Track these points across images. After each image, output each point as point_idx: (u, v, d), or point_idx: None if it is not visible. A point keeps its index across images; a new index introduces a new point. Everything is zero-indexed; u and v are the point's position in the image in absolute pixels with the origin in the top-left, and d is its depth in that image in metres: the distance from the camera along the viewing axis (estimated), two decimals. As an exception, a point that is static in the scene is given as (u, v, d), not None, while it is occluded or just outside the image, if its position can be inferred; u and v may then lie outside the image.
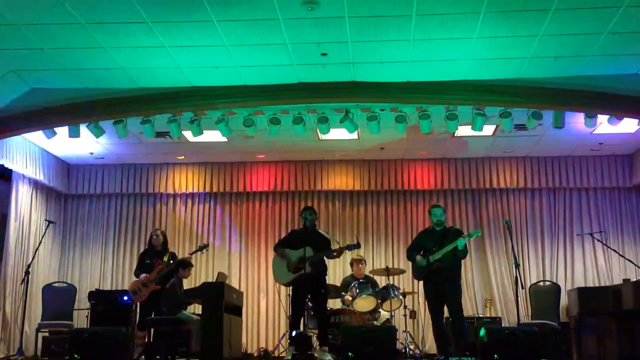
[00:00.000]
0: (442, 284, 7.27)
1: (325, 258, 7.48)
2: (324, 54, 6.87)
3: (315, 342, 7.74)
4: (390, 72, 7.31)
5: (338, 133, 8.88)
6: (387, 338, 6.49)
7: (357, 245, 7.60)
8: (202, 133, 8.48)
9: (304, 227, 7.54)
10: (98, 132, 8.40)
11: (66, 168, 10.94)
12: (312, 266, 7.24)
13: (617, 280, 9.78)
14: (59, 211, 10.92)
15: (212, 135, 9.08)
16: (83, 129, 8.41)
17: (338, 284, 9.16)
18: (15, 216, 9.52)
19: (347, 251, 7.66)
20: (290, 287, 7.67)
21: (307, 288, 7.39)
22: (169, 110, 8.01)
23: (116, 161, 10.85)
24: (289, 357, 7.14)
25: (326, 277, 7.61)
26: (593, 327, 9.47)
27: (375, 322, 8.36)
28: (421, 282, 7.98)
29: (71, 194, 11.09)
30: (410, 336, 9.04)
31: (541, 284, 9.67)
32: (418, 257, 7.39)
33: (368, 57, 6.94)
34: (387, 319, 8.54)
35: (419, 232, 8.23)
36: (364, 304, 8.33)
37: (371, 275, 9.04)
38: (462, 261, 7.52)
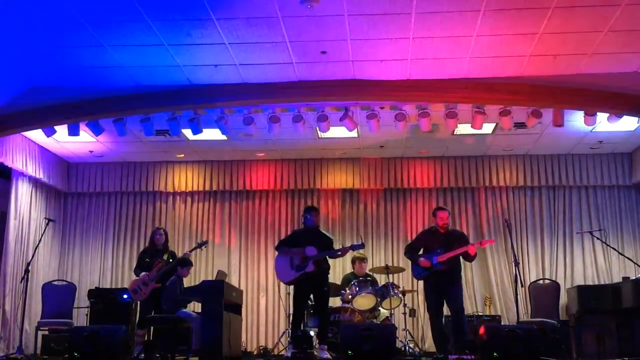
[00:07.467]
0: (444, 285, 7.30)
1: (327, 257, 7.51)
2: (323, 52, 6.87)
3: (315, 340, 7.74)
4: (389, 70, 7.30)
5: (338, 131, 8.87)
6: (386, 336, 6.48)
7: (362, 245, 7.63)
8: (202, 131, 8.48)
9: (305, 227, 7.57)
10: (97, 131, 8.40)
11: (66, 166, 10.93)
12: (315, 265, 7.27)
13: (617, 279, 9.78)
14: (58, 209, 10.91)
15: (212, 134, 9.08)
16: (83, 127, 8.40)
17: (338, 282, 9.15)
18: (15, 214, 9.52)
19: (350, 250, 7.69)
20: (292, 286, 7.69)
21: (309, 286, 7.42)
22: (168, 108, 8.01)
23: (116, 159, 10.84)
24: (289, 355, 7.15)
25: (328, 276, 7.64)
26: (592, 325, 9.48)
27: (374, 320, 8.36)
28: (421, 281, 7.99)
29: (71, 192, 11.08)
30: (410, 334, 9.04)
31: (541, 282, 9.66)
32: (421, 259, 7.40)
33: (368, 55, 6.94)
34: (387, 317, 8.54)
35: (422, 231, 8.22)
36: (364, 302, 8.33)
37: (371, 274, 9.04)
38: (462, 260, 7.54)
